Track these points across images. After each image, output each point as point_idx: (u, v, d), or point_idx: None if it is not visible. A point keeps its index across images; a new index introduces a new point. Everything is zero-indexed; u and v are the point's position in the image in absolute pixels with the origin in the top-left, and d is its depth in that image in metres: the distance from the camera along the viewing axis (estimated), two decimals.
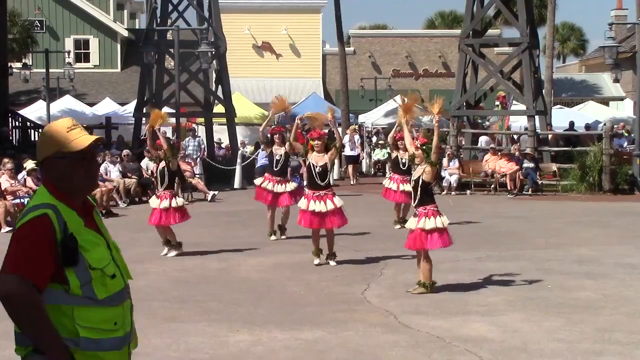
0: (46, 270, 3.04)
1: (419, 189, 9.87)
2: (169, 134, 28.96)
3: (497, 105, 27.48)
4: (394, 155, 15.46)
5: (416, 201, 9.94)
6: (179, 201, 12.83)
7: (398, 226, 15.12)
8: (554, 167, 24.18)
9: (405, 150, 15.14)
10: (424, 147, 9.91)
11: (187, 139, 26.02)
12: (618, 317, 8.71)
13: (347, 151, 29.79)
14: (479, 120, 27.60)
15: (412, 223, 9.94)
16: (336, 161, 27.93)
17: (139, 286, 10.54)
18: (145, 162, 21.40)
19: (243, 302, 9.55)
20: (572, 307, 9.13)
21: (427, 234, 9.74)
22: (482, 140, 27.46)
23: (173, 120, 27.19)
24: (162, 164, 12.80)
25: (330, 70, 43.63)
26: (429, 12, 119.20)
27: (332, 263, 11.82)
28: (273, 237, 14.31)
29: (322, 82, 43.64)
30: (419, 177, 9.86)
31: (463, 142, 26.32)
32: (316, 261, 11.86)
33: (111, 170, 20.93)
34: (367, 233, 15.08)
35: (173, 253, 12.74)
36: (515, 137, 27.72)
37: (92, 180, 3.32)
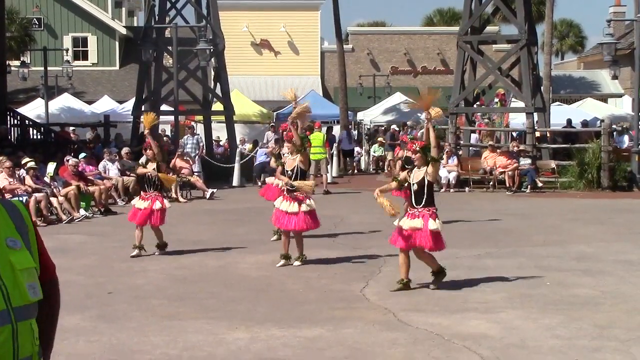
0: None
1: (424, 190, 9.81)
2: (168, 132, 29.05)
3: (496, 103, 27.47)
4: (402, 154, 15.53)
5: (417, 202, 9.86)
6: (164, 203, 12.68)
7: None
8: (553, 164, 24.18)
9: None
10: (422, 149, 9.85)
11: (185, 136, 26.02)
12: (616, 313, 8.72)
13: (346, 145, 30.04)
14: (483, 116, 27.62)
15: (415, 223, 9.76)
16: (334, 159, 28.10)
17: (138, 284, 10.56)
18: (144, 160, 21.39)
19: (242, 299, 9.54)
20: (570, 304, 9.13)
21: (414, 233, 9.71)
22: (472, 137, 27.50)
23: (170, 117, 27.29)
24: (151, 166, 12.80)
25: (328, 68, 43.61)
26: (428, 9, 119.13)
27: (296, 263, 11.66)
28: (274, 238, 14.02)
29: (320, 80, 43.61)
30: (423, 178, 9.82)
31: (461, 141, 26.32)
32: (280, 263, 11.64)
33: (110, 168, 20.92)
34: (366, 231, 15.08)
35: (157, 252, 12.70)
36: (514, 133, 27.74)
37: None
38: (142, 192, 12.88)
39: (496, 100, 27.36)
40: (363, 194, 22.78)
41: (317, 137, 22.82)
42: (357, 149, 32.38)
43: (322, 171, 23.25)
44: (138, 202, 12.77)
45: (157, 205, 12.54)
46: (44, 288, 3.04)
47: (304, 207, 11.51)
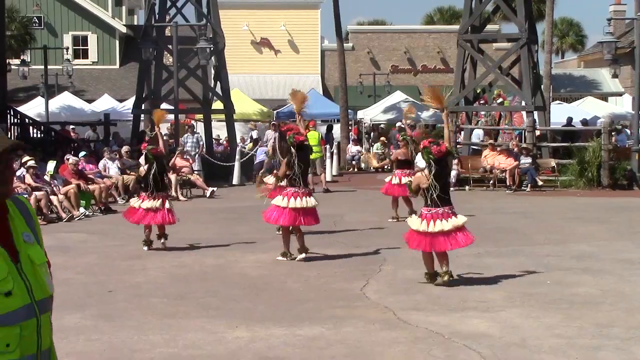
0: None
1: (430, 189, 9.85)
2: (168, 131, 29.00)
3: (499, 102, 27.47)
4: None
5: (428, 201, 9.91)
6: (158, 204, 12.67)
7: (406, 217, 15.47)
8: (553, 162, 24.17)
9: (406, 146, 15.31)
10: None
11: (185, 135, 26.01)
12: (616, 312, 8.71)
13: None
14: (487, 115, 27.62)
15: (423, 225, 9.83)
16: (335, 158, 28.08)
17: (137, 282, 10.56)
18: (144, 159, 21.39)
19: (241, 298, 9.54)
20: (570, 303, 9.12)
21: (432, 237, 9.70)
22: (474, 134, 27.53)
23: (170, 116, 27.28)
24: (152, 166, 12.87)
25: (329, 66, 43.61)
26: (428, 7, 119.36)
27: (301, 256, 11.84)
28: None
29: (320, 78, 43.62)
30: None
31: (461, 139, 26.31)
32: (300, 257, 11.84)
33: (110, 167, 20.92)
34: (366, 229, 15.08)
35: (145, 248, 12.86)
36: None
37: (3, 186, 3.06)
38: (145, 192, 12.82)
39: (500, 99, 27.36)
40: (363, 192, 22.77)
41: (312, 136, 22.76)
42: (357, 147, 32.37)
43: (317, 170, 23.21)
44: (143, 203, 12.73)
45: (166, 205, 12.70)
46: None
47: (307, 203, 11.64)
